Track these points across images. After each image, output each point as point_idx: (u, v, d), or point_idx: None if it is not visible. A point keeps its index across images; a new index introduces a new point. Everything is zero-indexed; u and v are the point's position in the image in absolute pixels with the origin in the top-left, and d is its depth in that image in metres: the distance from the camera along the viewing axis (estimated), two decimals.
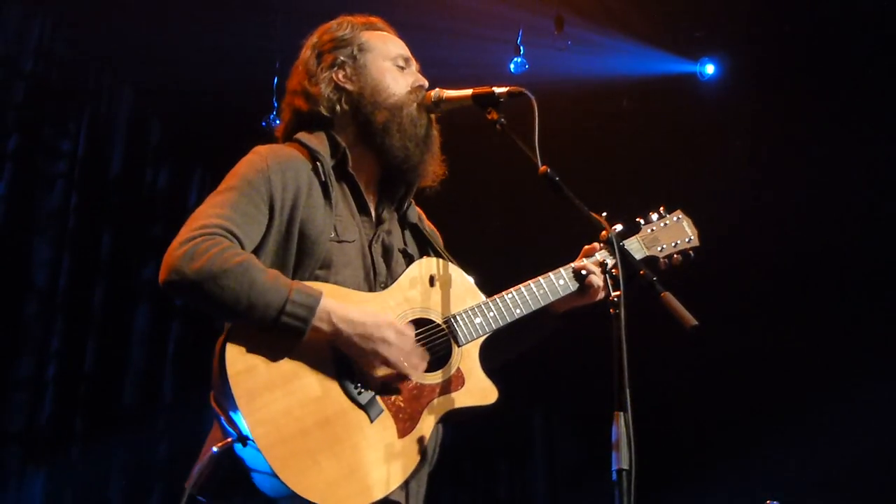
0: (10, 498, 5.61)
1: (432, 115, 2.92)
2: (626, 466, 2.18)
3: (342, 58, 2.90)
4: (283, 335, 2.48)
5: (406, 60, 2.96)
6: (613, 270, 2.38)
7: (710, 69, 6.93)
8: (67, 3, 6.09)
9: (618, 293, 2.34)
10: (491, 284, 2.99)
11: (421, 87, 2.93)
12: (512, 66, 6.49)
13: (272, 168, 2.67)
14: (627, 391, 2.21)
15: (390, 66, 2.92)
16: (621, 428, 2.20)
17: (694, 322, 2.33)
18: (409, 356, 2.60)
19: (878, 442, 6.21)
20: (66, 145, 6.25)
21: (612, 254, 2.50)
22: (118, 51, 6.32)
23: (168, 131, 6.85)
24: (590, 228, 2.57)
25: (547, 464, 8.19)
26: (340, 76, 2.89)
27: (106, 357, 6.17)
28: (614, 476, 2.18)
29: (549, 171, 2.61)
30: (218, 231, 2.51)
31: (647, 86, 6.87)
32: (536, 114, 2.65)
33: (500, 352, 2.90)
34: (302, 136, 2.84)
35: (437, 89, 2.93)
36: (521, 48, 6.47)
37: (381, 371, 2.58)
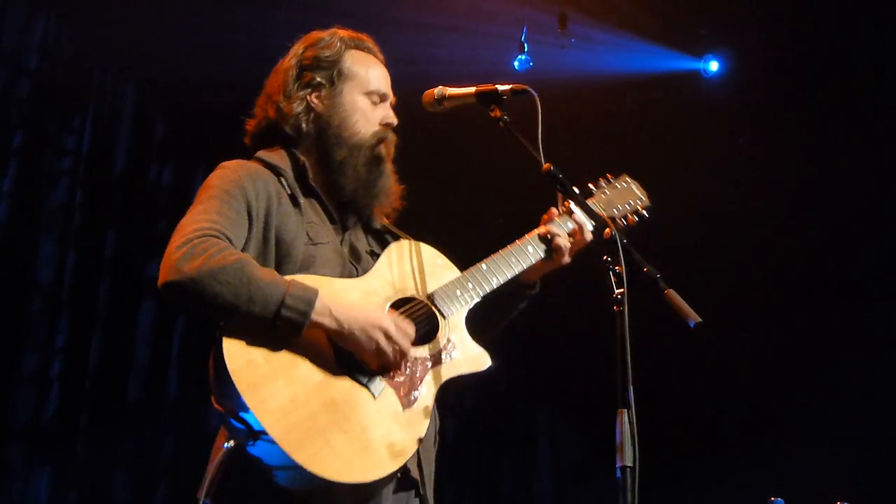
0: (16, 494, 5.62)
1: (385, 154, 2.94)
2: (629, 463, 2.19)
3: (319, 79, 2.93)
4: (282, 331, 2.51)
5: (382, 97, 2.99)
6: (617, 268, 2.39)
7: (714, 66, 6.92)
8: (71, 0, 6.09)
9: (621, 290, 2.35)
10: None
11: (389, 124, 2.96)
12: (516, 63, 6.48)
13: (244, 178, 2.74)
14: (631, 388, 2.22)
15: (364, 101, 2.94)
16: (625, 425, 2.21)
17: (697, 319, 2.34)
18: (406, 348, 2.64)
19: (882, 439, 6.21)
20: (71, 142, 6.25)
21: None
22: (122, 47, 6.32)
23: (172, 128, 6.85)
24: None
25: (551, 461, 8.21)
26: (314, 97, 2.93)
27: (111, 354, 6.18)
28: (618, 473, 2.19)
29: (552, 168, 2.62)
30: (211, 232, 2.57)
31: (651, 83, 6.87)
32: (540, 111, 2.66)
33: (487, 325, 2.97)
34: (262, 154, 2.90)
35: (440, 87, 2.94)
36: (525, 46, 6.46)
37: (380, 360, 2.62)
